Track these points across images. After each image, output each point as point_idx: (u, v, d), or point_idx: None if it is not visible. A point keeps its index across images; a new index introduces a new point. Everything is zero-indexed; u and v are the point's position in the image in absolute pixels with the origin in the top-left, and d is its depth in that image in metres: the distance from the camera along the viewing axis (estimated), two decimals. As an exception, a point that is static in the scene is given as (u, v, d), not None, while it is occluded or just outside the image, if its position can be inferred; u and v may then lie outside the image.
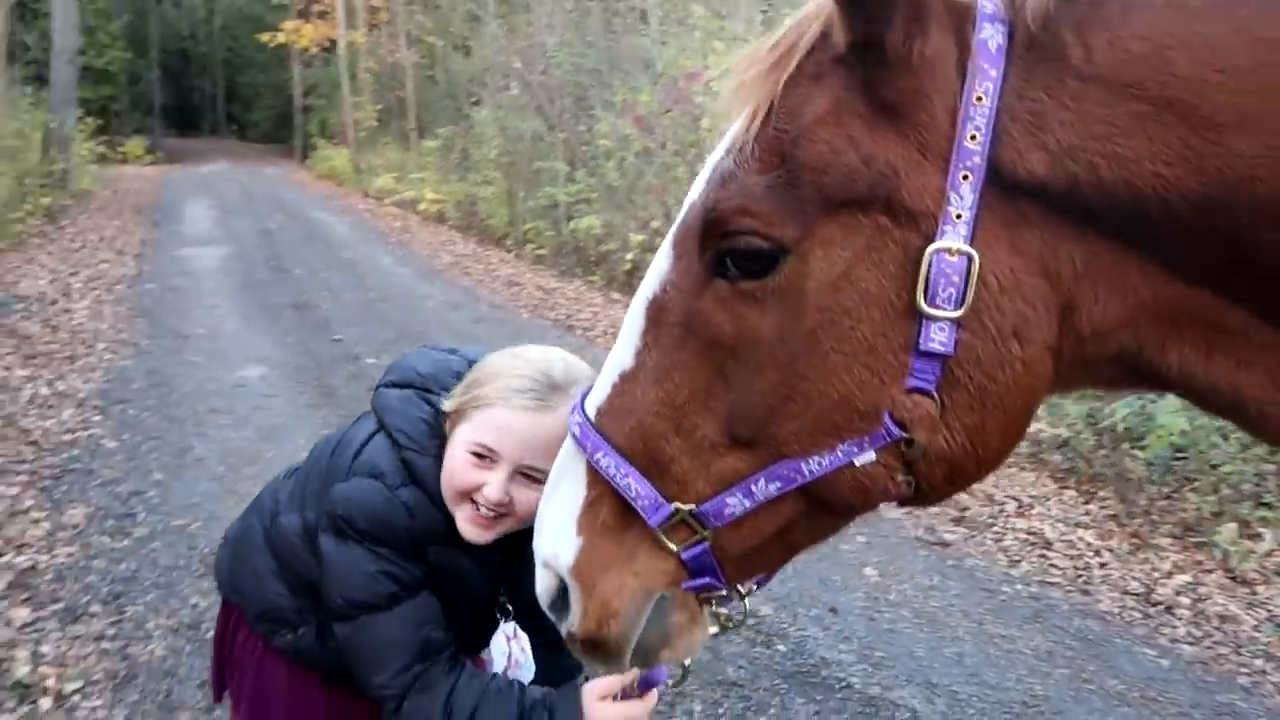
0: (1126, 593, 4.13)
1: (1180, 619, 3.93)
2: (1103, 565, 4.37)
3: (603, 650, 1.13)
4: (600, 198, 11.12)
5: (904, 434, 0.96)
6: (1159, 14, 0.87)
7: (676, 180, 10.12)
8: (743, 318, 0.99)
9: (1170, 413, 5.08)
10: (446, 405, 1.57)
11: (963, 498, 5.03)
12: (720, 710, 3.15)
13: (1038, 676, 3.42)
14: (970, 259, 0.91)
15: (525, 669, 1.63)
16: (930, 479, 1.00)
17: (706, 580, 1.07)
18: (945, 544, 4.51)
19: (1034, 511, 4.92)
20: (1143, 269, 0.92)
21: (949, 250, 0.91)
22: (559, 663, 1.71)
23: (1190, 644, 3.73)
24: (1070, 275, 0.93)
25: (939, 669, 3.42)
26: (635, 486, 1.05)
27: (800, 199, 0.96)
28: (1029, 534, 4.65)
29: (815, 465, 0.99)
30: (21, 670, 3.21)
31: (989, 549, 4.49)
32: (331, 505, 1.57)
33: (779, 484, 1.00)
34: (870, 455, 0.97)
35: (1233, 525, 4.80)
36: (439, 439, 1.57)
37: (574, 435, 1.10)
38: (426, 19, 21.71)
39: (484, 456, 1.47)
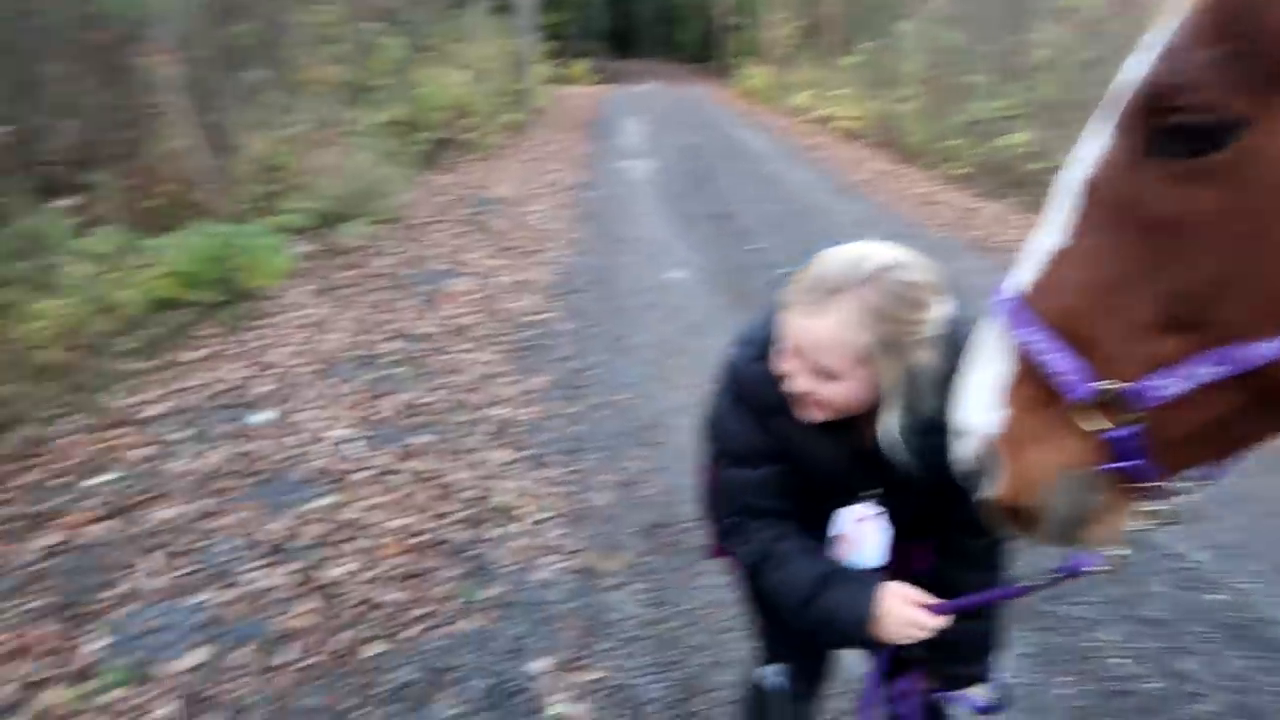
0: None
1: None
2: None
3: (1021, 518, 1.16)
4: (1031, 113, 10.39)
5: None
6: None
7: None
8: (1186, 197, 0.95)
9: None
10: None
11: None
12: (1136, 644, 3.03)
13: None
14: None
15: (865, 553, 1.65)
16: None
17: (1131, 465, 1.06)
18: None
19: None
20: None
21: None
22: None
23: None
24: None
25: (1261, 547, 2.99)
26: (1060, 363, 1.05)
27: (1255, 70, 0.89)
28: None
29: (1268, 349, 0.94)
30: (502, 498, 3.92)
31: None
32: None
33: (1221, 368, 0.96)
34: None
35: None
36: None
37: (999, 312, 1.12)
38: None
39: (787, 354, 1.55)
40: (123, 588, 3.29)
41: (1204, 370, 0.98)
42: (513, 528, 3.71)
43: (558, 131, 16.40)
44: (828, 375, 1.47)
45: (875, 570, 1.68)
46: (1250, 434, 1.06)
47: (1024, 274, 1.10)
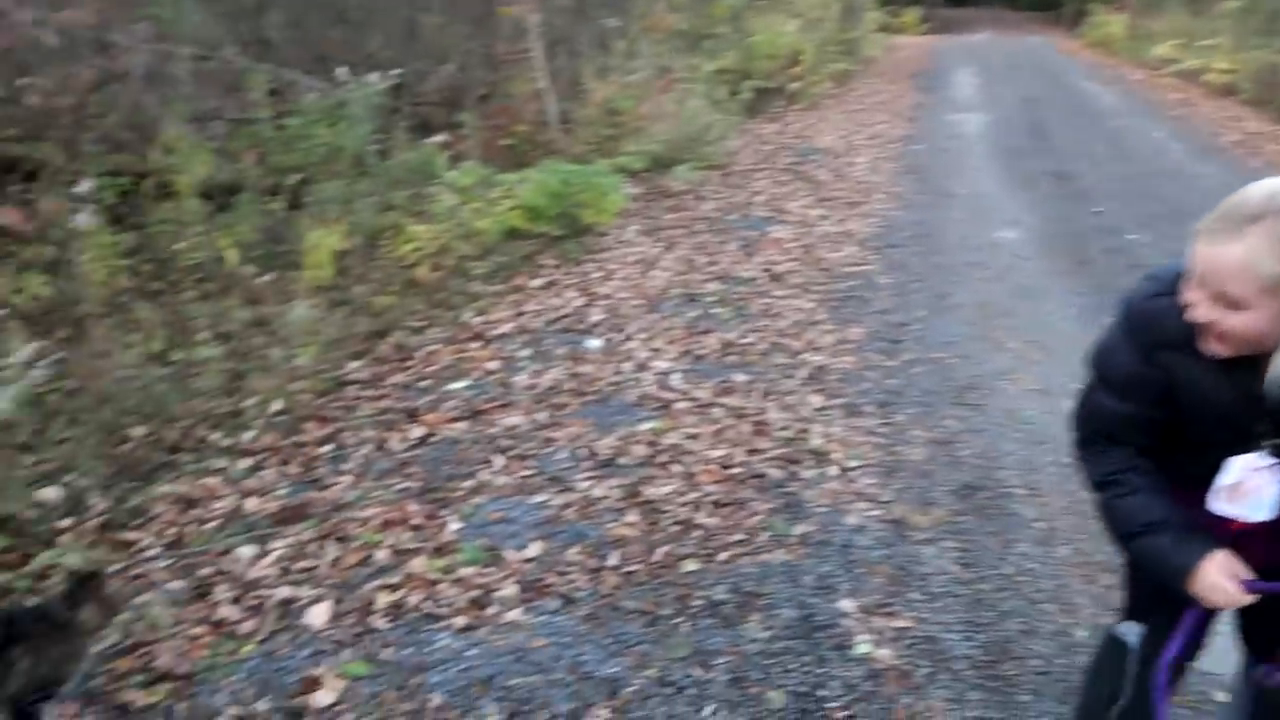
0: None
1: None
2: None
3: None
4: None
5: None
6: None
7: None
8: None
9: None
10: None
11: None
12: None
13: None
14: None
15: (1256, 503, 1.55)
16: None
17: None
18: None
19: None
20: None
21: None
22: None
23: None
24: None
25: None
26: None
27: None
28: None
29: None
30: (817, 441, 3.99)
31: None
32: None
33: None
34: None
35: None
36: None
37: None
38: None
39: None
40: (475, 481, 3.74)
41: None
42: (825, 470, 3.78)
43: (886, 82, 15.92)
44: (1233, 304, 1.43)
45: (1204, 539, 1.63)
46: None
47: None
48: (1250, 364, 1.50)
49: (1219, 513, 1.61)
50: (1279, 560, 1.65)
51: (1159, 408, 1.66)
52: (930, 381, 4.59)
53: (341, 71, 6.50)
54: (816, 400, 4.38)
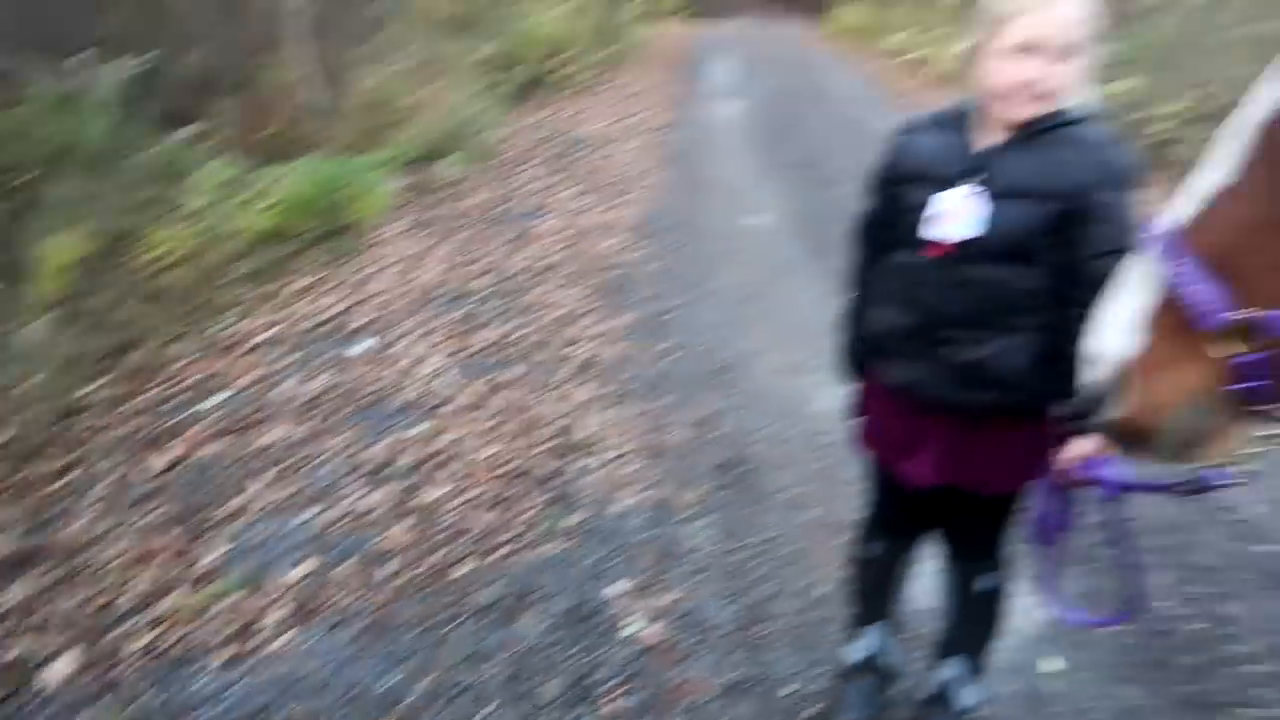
0: None
1: None
2: None
3: (1139, 438, 1.28)
4: (1142, 59, 10.00)
5: None
6: None
7: (1258, 40, 8.72)
8: None
9: None
10: (966, 44, 1.96)
11: None
12: (1186, 589, 3.12)
13: None
14: None
15: (966, 220, 1.91)
16: None
17: (1255, 386, 1.16)
18: None
19: None
20: None
21: None
22: None
23: None
24: None
25: None
26: (1202, 294, 1.15)
27: None
28: None
29: None
30: (586, 431, 4.13)
31: None
32: None
33: None
34: None
35: None
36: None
37: (1151, 242, 1.23)
38: None
39: (1025, 50, 1.81)
40: (237, 502, 3.61)
41: None
42: (595, 460, 3.92)
43: (649, 70, 16.35)
44: (1064, 56, 1.80)
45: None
46: None
47: (1183, 210, 1.21)
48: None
49: (933, 238, 1.96)
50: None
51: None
52: (691, 365, 4.85)
53: (77, 57, 5.97)
54: (586, 391, 4.52)
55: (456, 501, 3.62)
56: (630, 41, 18.36)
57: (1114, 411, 1.30)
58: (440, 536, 3.41)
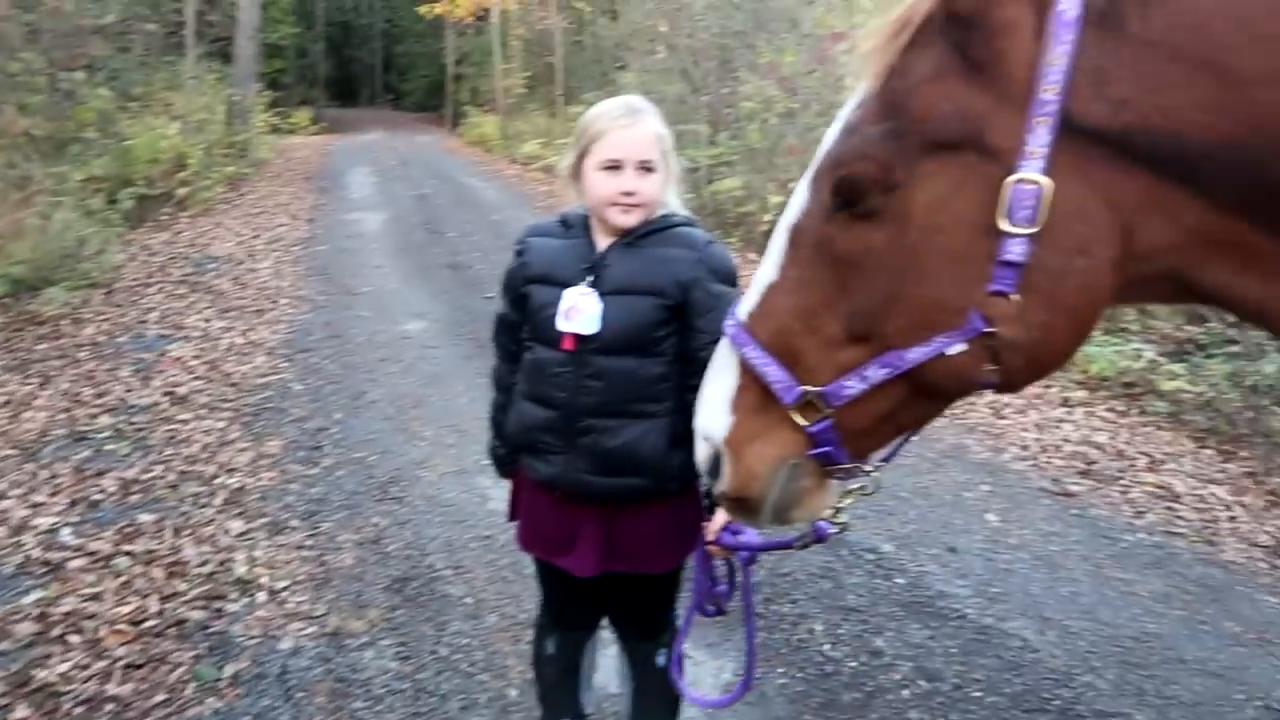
0: (1255, 545, 4.16)
1: (1310, 572, 3.95)
2: (1232, 519, 4.39)
3: (745, 506, 1.44)
4: (741, 159, 11.29)
5: (988, 328, 1.20)
6: None
7: (818, 142, 10.17)
8: (861, 238, 1.26)
9: (1318, 371, 4.99)
10: (568, 160, 2.16)
11: (1091, 452, 5.09)
12: (839, 631, 3.44)
13: (1152, 616, 3.55)
14: (1042, 187, 1.13)
15: (585, 317, 2.06)
16: (1012, 366, 1.23)
17: (828, 450, 1.34)
18: (1070, 494, 4.62)
19: (1165, 467, 4.94)
20: (1187, 201, 1.12)
21: (1025, 180, 1.14)
22: None
23: (1317, 595, 3.76)
24: (1130, 204, 1.13)
25: (1053, 605, 3.60)
26: (774, 374, 1.33)
27: (907, 144, 1.21)
28: (1157, 488, 4.69)
29: (916, 354, 1.24)
30: (241, 569, 3.80)
31: (1114, 501, 4.57)
32: None
33: (887, 370, 1.26)
34: (961, 345, 1.21)
35: (1386, 487, 4.71)
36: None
37: (728, 335, 1.40)
38: (574, -15, 22.16)
39: (613, 167, 2.04)
40: None
41: (874, 373, 1.28)
42: (253, 599, 3.61)
43: (282, 184, 15.84)
44: (649, 169, 2.04)
45: None
46: (916, 420, 1.39)
47: (747, 302, 1.40)
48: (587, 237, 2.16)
49: (563, 329, 2.09)
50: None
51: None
52: (354, 482, 4.65)
53: None
54: (237, 525, 4.18)
55: (88, 673, 3.16)
56: (258, 156, 17.72)
57: (719, 485, 1.45)
58: (69, 717, 2.95)
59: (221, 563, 3.86)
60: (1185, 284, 1.19)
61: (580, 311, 2.07)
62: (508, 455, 2.35)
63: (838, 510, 1.56)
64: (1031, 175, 1.14)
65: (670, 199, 2.15)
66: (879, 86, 1.25)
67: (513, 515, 2.40)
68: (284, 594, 3.66)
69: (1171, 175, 1.11)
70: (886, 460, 1.49)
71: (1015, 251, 1.16)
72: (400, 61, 46.61)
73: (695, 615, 2.20)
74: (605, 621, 2.55)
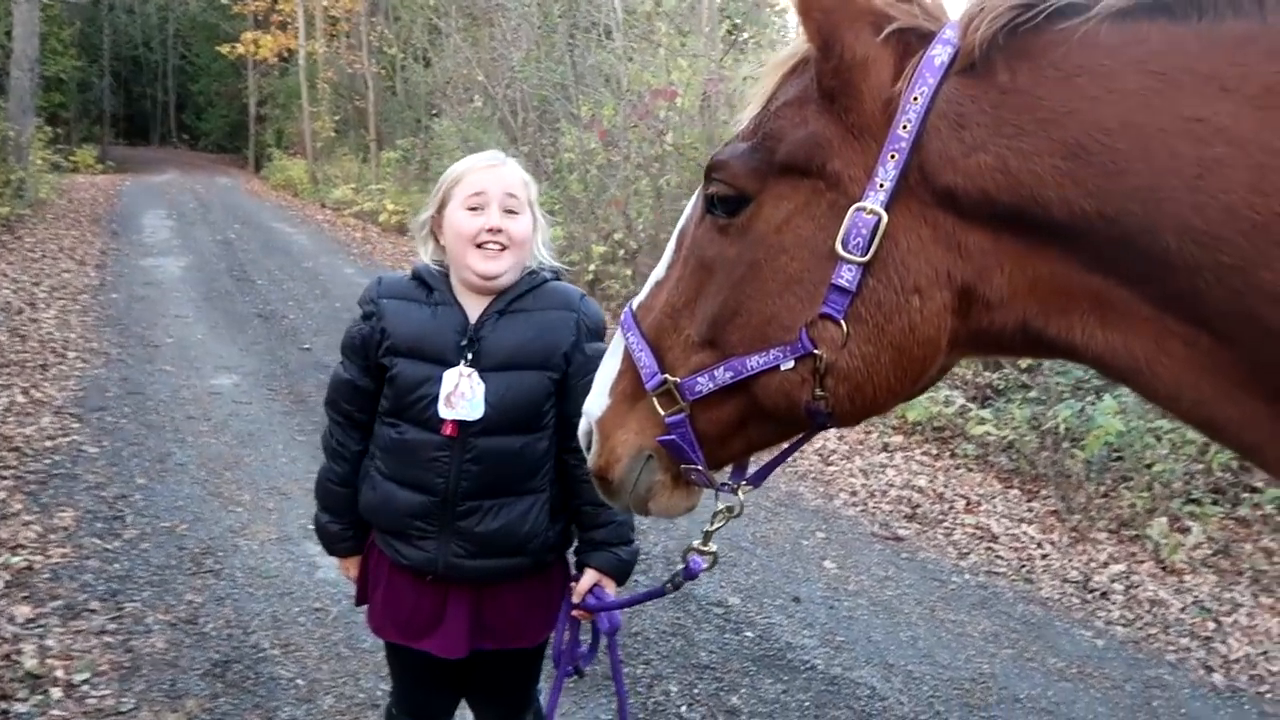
0: (1066, 580, 4.45)
1: (1114, 603, 4.27)
2: (1044, 557, 4.70)
3: (607, 487, 1.46)
4: (563, 210, 11.36)
5: (814, 349, 1.21)
6: (1075, 48, 1.07)
7: (638, 194, 10.39)
8: (718, 246, 1.30)
9: (1108, 414, 5.45)
10: (427, 212, 2.05)
11: (914, 496, 5.34)
12: (695, 690, 3.39)
13: (985, 656, 3.71)
14: (880, 218, 1.15)
15: (470, 401, 1.93)
16: (836, 394, 1.24)
17: (675, 439, 1.36)
18: (899, 538, 4.81)
19: (981, 508, 5.24)
20: (1042, 253, 1.11)
21: (865, 209, 1.16)
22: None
23: (1123, 626, 4.06)
24: (978, 251, 1.14)
25: (895, 651, 3.70)
26: (644, 359, 1.37)
27: (762, 161, 1.25)
28: (976, 529, 4.96)
29: (754, 363, 1.27)
30: (30, 662, 3.35)
31: (939, 543, 4.79)
32: None
33: (731, 373, 1.29)
34: (791, 363, 1.24)
35: (1164, 520, 5.17)
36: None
37: (622, 321, 1.43)
38: (388, 30, 21.80)
39: (477, 207, 1.94)
40: None
41: (720, 375, 1.31)
42: (46, 696, 3.19)
43: (67, 226, 14.58)
44: (515, 211, 1.95)
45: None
46: (760, 438, 1.41)
47: (641, 295, 1.44)
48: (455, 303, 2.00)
49: (443, 416, 1.93)
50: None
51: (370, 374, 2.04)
52: (162, 556, 4.24)
53: None
54: (24, 611, 3.70)
55: None
56: (37, 195, 16.28)
57: (590, 462, 1.48)
58: None
59: (6, 656, 3.40)
60: (1042, 337, 1.16)
61: (464, 397, 1.93)
62: (343, 533, 2.15)
63: (707, 536, 1.61)
64: (871, 205, 1.16)
65: (541, 252, 2.07)
66: (758, 109, 1.31)
67: (362, 598, 2.21)
68: (84, 688, 3.25)
69: (1026, 225, 1.11)
70: (754, 484, 1.50)
71: (845, 277, 1.19)
72: (196, 100, 44.17)
73: (564, 680, 2.12)
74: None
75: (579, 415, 1.98)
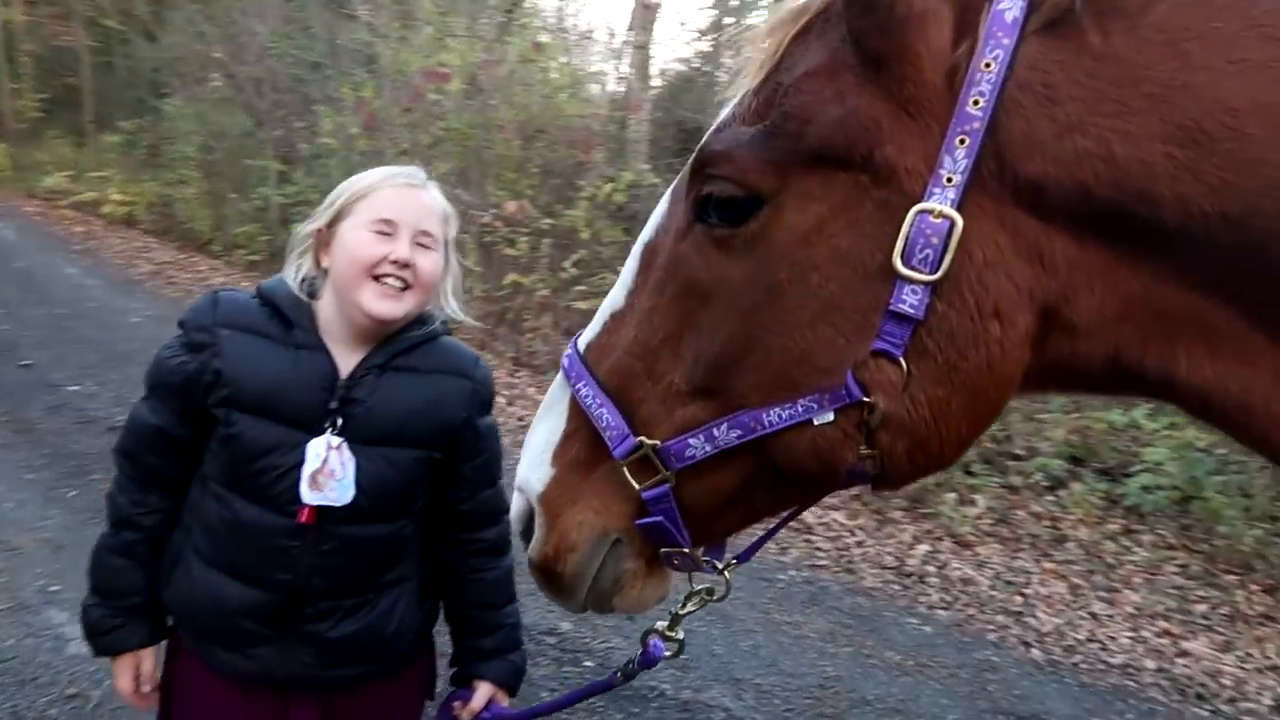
0: (884, 567, 4.50)
1: (931, 586, 4.35)
2: (860, 544, 4.74)
3: (556, 583, 1.12)
4: (322, 199, 10.53)
5: (865, 396, 0.93)
6: (1179, 5, 0.86)
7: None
8: (716, 264, 1.00)
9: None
10: (317, 223, 1.59)
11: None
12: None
13: (826, 658, 3.64)
14: (953, 223, 0.89)
15: (340, 482, 1.50)
16: (892, 452, 0.97)
17: (661, 522, 1.04)
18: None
19: (793, 499, 5.24)
20: (1135, 266, 0.89)
21: (932, 212, 0.89)
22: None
23: (944, 609, 4.14)
24: (1065, 263, 0.90)
25: (740, 664, 3.55)
26: (607, 417, 1.05)
27: (781, 150, 0.95)
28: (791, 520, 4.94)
29: (775, 417, 0.97)
30: None
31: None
32: None
33: (739, 432, 0.99)
34: (829, 415, 0.95)
35: (952, 495, 5.40)
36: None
37: (564, 366, 1.11)
38: (102, -1, 19.50)
39: (386, 231, 1.52)
40: None
41: (723, 434, 0.99)
42: None
43: None
44: (428, 246, 1.56)
45: None
46: (773, 505, 1.10)
47: (590, 331, 1.11)
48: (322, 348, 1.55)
49: (309, 502, 1.49)
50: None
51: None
52: None
53: None
54: None
55: None
56: None
57: (531, 551, 1.14)
58: None
59: None
60: (1126, 369, 0.93)
61: (333, 476, 1.48)
62: (123, 624, 1.63)
63: (675, 620, 1.30)
64: (940, 207, 0.89)
65: (450, 303, 1.66)
66: (761, 80, 0.99)
67: (166, 711, 1.72)
68: None
69: (1118, 233, 0.88)
70: (741, 559, 1.23)
71: (910, 301, 0.91)
72: None
73: None
74: None
75: (469, 501, 1.66)
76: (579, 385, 1.08)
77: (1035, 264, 0.91)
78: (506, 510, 1.66)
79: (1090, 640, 3.95)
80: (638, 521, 1.06)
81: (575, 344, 1.12)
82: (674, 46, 22.77)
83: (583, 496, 1.09)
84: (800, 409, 0.96)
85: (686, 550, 1.08)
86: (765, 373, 0.98)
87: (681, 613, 1.29)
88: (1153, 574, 4.73)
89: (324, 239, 1.57)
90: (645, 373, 1.05)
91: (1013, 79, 0.88)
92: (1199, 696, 3.63)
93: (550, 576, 1.13)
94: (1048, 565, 4.91)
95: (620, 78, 11.80)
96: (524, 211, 8.41)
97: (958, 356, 0.92)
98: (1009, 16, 0.89)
